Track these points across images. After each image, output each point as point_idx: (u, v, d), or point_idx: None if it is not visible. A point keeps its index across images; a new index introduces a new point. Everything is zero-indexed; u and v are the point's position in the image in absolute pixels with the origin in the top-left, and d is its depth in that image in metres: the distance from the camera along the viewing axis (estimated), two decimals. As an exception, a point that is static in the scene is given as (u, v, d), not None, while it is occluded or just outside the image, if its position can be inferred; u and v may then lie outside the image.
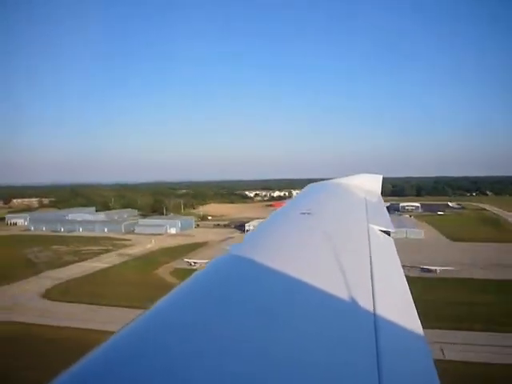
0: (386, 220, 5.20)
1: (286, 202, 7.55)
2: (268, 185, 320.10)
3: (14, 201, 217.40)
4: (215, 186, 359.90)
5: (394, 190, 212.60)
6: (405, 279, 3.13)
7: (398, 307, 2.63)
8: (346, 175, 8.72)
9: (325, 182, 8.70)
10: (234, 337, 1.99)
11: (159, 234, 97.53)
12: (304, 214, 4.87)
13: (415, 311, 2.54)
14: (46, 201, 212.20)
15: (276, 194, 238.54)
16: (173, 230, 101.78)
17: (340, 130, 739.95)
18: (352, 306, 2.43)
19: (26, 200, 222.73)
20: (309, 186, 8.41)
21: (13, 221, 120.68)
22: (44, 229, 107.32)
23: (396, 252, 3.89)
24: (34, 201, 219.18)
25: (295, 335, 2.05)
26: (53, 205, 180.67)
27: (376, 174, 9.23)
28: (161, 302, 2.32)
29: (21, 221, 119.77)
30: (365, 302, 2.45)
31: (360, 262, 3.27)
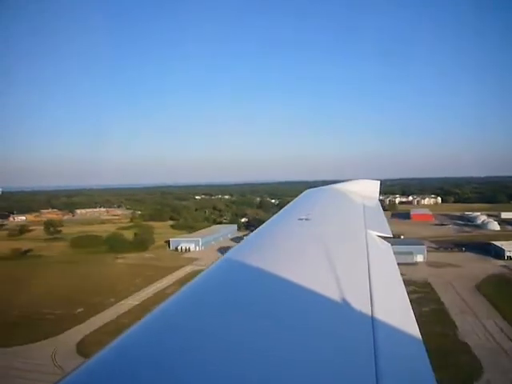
0: (383, 226, 5.19)
1: (285, 208, 6.60)
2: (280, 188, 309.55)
3: (78, 211, 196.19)
4: (238, 190, 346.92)
5: (478, 196, 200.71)
6: (402, 283, 3.23)
7: (395, 312, 2.70)
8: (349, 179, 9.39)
9: (323, 187, 8.62)
10: (233, 338, 2.08)
11: (411, 264, 74.26)
12: (302, 219, 4.84)
13: (413, 316, 2.61)
14: (122, 212, 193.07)
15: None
16: (420, 258, 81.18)
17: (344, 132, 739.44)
18: (350, 311, 2.49)
19: (91, 210, 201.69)
20: (307, 191, 8.19)
21: (183, 246, 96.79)
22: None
23: (394, 257, 3.92)
24: (104, 211, 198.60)
25: (293, 340, 2.10)
26: (148, 219, 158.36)
27: (374, 179, 9.47)
28: (163, 305, 2.42)
29: (192, 246, 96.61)
30: (363, 307, 2.50)
31: (358, 266, 3.34)
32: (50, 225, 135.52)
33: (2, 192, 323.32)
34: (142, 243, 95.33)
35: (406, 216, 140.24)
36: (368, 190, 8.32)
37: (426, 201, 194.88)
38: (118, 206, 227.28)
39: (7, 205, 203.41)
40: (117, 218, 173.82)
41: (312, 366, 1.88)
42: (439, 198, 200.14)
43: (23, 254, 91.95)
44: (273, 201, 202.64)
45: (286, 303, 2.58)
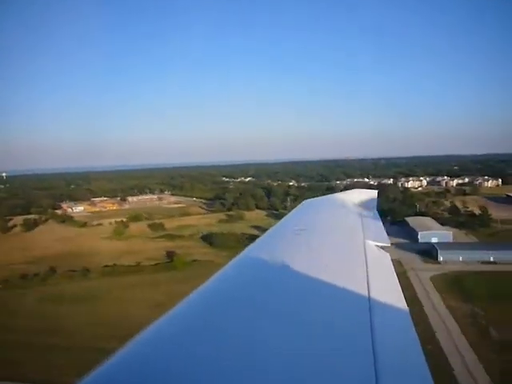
0: (382, 235, 5.25)
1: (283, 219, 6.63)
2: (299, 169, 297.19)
3: (130, 199, 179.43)
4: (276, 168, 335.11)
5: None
6: (401, 293, 3.27)
7: (395, 321, 2.75)
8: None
9: (320, 198, 8.69)
10: (238, 334, 2.32)
11: None
12: (300, 230, 4.94)
13: (412, 326, 2.66)
14: (178, 199, 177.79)
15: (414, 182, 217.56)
16: None
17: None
18: (349, 321, 2.59)
19: (142, 198, 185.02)
20: (304, 202, 8.30)
21: None
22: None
23: (392, 267, 4.00)
24: (155, 198, 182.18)
25: (294, 347, 2.25)
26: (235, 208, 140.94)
27: (371, 189, 10.11)
28: (181, 304, 2.67)
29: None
30: (362, 317, 2.57)
31: (357, 276, 3.42)
32: (135, 218, 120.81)
33: (6, 177, 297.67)
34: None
35: (507, 201, 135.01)
36: (365, 199, 8.28)
37: (490, 183, 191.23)
38: (161, 192, 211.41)
39: (45, 194, 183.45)
40: (182, 206, 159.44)
41: (315, 370, 2.00)
42: (500, 180, 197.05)
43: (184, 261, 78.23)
44: (338, 182, 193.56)
45: (286, 313, 2.66)
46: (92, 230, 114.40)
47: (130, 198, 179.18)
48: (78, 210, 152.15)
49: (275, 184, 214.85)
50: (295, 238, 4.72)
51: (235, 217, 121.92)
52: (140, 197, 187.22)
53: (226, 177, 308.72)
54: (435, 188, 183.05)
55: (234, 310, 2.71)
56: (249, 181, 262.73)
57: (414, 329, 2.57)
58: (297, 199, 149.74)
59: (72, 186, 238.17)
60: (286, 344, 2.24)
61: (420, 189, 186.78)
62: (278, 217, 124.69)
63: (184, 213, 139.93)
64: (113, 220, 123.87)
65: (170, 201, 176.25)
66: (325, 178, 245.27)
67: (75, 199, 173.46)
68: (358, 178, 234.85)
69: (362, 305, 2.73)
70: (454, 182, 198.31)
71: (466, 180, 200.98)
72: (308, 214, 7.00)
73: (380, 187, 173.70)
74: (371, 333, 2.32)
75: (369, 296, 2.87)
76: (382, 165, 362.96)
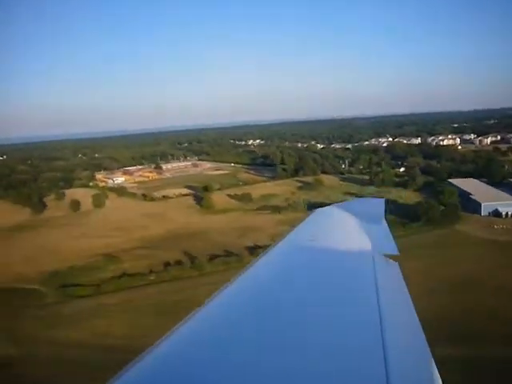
0: (390, 244, 5.31)
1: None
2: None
3: (164, 167, 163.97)
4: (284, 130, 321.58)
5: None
6: (411, 303, 3.33)
7: (405, 332, 2.76)
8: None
9: (328, 207, 8.43)
10: (250, 338, 2.48)
11: None
12: (309, 241, 5.09)
13: (423, 336, 2.67)
14: (215, 165, 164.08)
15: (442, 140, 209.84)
16: None
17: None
18: (359, 332, 2.61)
19: (176, 165, 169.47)
20: (316, 211, 8.05)
21: (507, 211, 72.64)
22: None
23: (402, 277, 4.06)
24: (189, 165, 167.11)
25: (301, 357, 2.31)
26: (296, 175, 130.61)
27: (378, 198, 11.23)
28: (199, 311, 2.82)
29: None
30: (372, 327, 2.60)
31: (365, 286, 3.45)
32: (206, 188, 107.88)
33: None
34: (452, 212, 74.51)
35: None
36: (373, 208, 8.18)
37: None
38: (185, 158, 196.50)
39: (66, 165, 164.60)
40: (227, 172, 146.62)
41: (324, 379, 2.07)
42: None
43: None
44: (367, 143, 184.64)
45: (295, 322, 2.73)
46: (167, 203, 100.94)
47: (164, 166, 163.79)
48: (120, 180, 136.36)
49: (300, 146, 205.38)
50: (304, 248, 4.79)
51: (314, 184, 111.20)
52: (174, 164, 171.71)
53: (234, 140, 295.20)
54: (473, 147, 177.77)
55: (244, 316, 2.86)
56: (263, 143, 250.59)
57: (424, 338, 2.59)
58: (355, 162, 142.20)
59: (80, 155, 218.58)
60: (294, 350, 2.33)
61: (460, 148, 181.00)
62: (354, 181, 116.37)
63: (242, 180, 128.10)
64: (176, 191, 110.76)
65: (207, 167, 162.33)
66: (346, 139, 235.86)
67: (103, 169, 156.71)
68: (376, 137, 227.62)
69: (371, 314, 2.75)
70: (488, 140, 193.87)
71: (499, 138, 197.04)
72: (316, 224, 6.78)
73: (417, 147, 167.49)
74: (382, 341, 2.35)
75: (379, 306, 2.89)
76: (384, 123, 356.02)
